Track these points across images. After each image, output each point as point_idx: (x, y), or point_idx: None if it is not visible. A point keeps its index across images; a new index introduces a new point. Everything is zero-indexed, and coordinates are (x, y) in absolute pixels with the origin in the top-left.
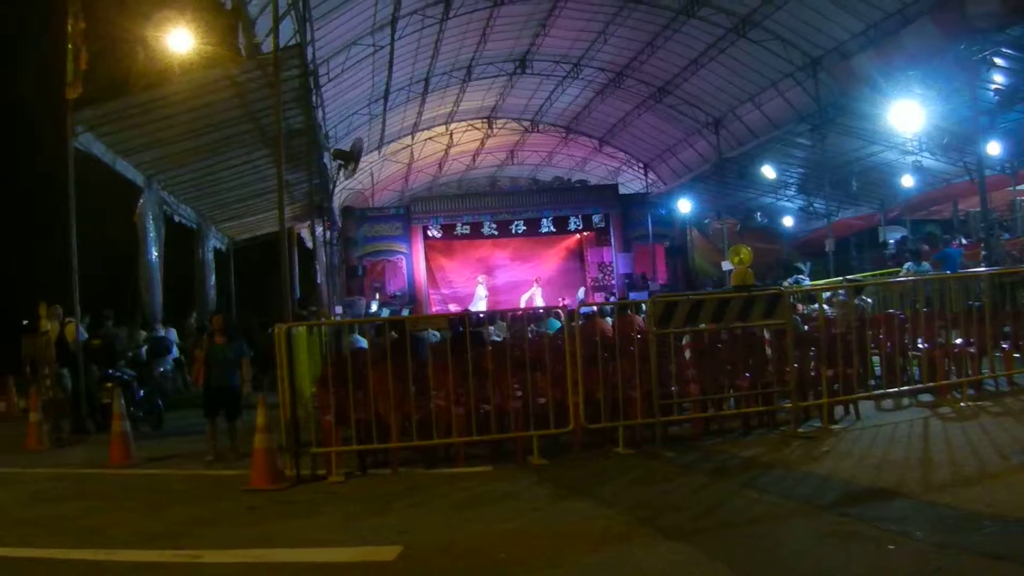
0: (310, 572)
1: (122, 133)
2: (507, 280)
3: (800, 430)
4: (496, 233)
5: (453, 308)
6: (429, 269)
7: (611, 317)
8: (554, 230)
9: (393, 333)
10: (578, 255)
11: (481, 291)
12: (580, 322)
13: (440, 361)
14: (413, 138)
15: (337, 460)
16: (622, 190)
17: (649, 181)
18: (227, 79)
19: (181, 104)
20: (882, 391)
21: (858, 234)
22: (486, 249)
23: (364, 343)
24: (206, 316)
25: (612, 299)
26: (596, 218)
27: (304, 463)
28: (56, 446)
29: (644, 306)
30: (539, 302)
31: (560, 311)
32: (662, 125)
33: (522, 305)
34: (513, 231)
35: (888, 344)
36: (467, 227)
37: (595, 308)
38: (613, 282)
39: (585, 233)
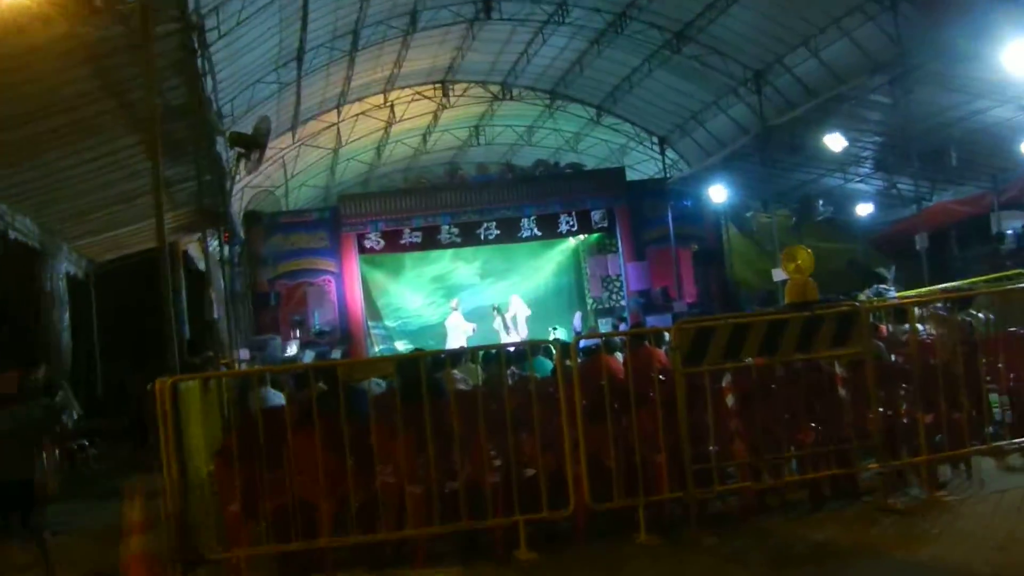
0: None
1: None
2: (476, 306)
3: (891, 501)
4: (459, 240)
5: (402, 347)
6: (368, 293)
7: (622, 351)
8: (539, 233)
9: (321, 384)
10: (573, 267)
11: (458, 321)
12: (580, 360)
13: (387, 421)
14: (340, 114)
15: (247, 566)
16: (631, 175)
17: (668, 162)
18: (76, 39)
19: (11, 75)
20: (1006, 442)
21: (961, 224)
22: (445, 263)
23: (281, 399)
24: (58, 369)
25: (622, 326)
26: (596, 215)
27: (201, 573)
28: None
29: (667, 335)
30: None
31: (551, 346)
32: (682, 84)
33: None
34: (482, 237)
35: (1011, 376)
36: (418, 234)
37: (599, 340)
38: (623, 303)
39: (582, 236)
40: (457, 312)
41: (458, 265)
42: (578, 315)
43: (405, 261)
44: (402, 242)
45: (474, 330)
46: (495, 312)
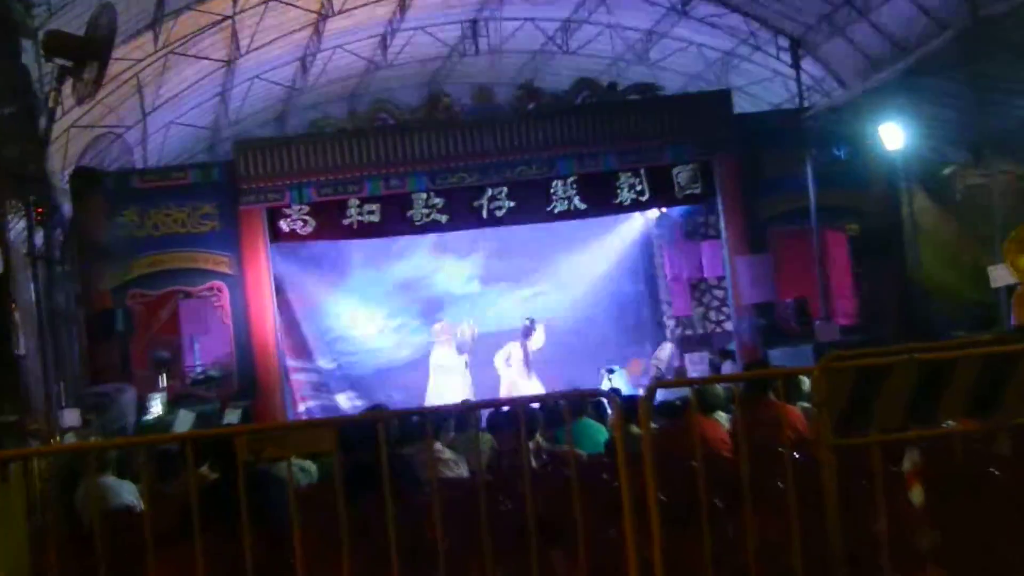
0: None
1: None
2: (491, 331)
3: None
4: (444, 220)
5: (347, 402)
6: (288, 312)
7: (727, 410)
8: (582, 207)
9: (206, 468)
10: (642, 265)
11: (447, 358)
12: (655, 424)
13: (321, 530)
14: (237, 1)
15: None
16: (742, 103)
17: (806, 81)
18: None
19: None
20: None
21: None
22: (422, 259)
23: (132, 496)
24: None
25: (729, 366)
26: (682, 175)
27: None
28: None
29: (806, 381)
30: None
31: (604, 400)
32: None
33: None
34: (485, 213)
35: None
36: (374, 208)
37: (689, 390)
38: (728, 325)
39: (657, 212)
40: (446, 343)
41: (444, 262)
42: (640, 363)
43: (352, 255)
44: (347, 222)
45: (467, 364)
46: (528, 325)
